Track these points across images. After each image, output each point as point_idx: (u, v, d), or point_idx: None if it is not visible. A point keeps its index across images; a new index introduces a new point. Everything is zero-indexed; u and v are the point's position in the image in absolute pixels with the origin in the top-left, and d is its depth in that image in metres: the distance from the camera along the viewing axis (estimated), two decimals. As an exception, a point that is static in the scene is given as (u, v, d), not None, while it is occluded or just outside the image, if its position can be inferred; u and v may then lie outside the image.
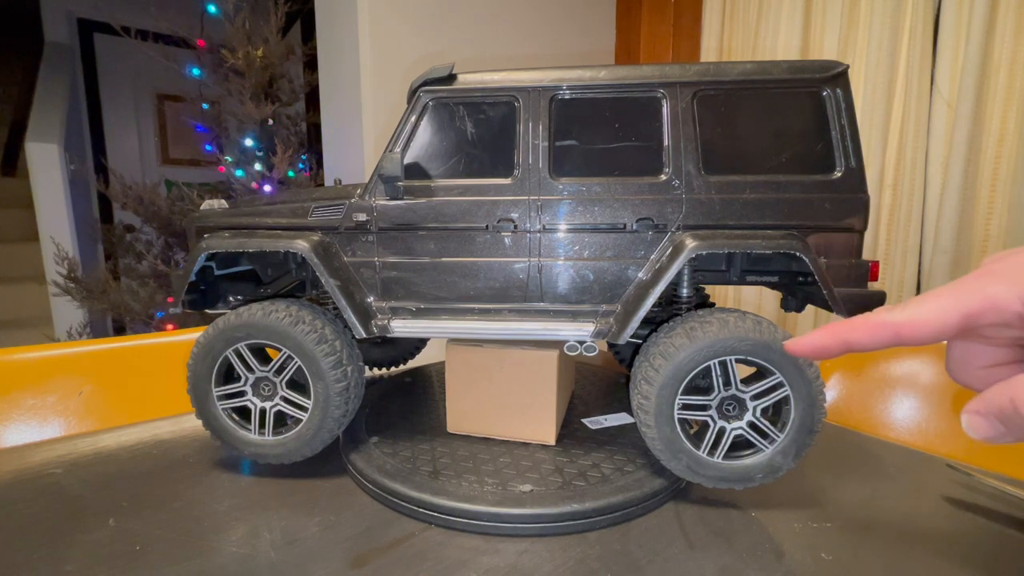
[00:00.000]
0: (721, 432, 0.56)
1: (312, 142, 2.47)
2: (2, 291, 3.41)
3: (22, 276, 3.42)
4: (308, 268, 0.73)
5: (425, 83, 0.60)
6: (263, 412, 0.62)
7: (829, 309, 0.57)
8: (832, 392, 1.04)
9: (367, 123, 1.59)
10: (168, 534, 0.51)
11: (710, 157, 0.57)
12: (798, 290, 0.65)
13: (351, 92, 1.62)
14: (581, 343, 0.59)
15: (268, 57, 2.22)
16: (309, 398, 0.61)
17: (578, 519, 0.52)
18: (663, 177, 0.58)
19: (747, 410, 0.55)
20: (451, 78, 0.60)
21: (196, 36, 2.33)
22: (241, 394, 0.63)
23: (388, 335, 0.62)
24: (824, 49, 1.50)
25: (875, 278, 0.58)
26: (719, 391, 0.55)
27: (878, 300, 0.57)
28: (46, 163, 3.06)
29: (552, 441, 0.66)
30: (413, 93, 0.61)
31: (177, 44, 2.38)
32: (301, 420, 0.61)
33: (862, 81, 1.43)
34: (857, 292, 0.57)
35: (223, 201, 0.69)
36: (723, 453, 0.55)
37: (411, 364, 0.98)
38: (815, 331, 0.31)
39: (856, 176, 0.56)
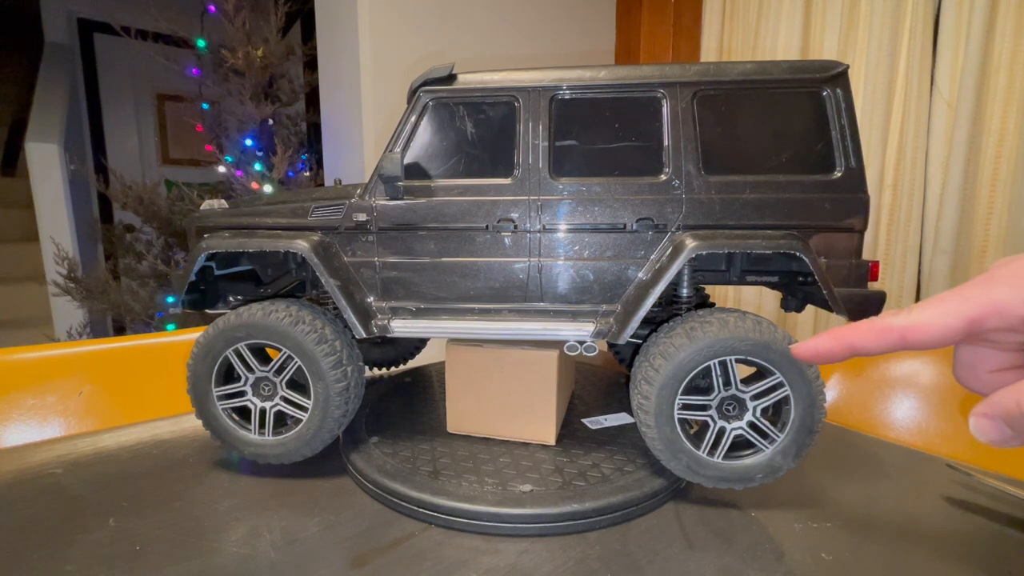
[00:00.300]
0: (721, 432, 0.56)
1: (312, 142, 2.48)
2: (2, 291, 3.41)
3: (22, 276, 3.42)
4: (308, 268, 0.73)
5: (425, 83, 0.60)
6: (263, 412, 0.62)
7: (829, 309, 0.57)
8: (832, 392, 1.04)
9: (367, 123, 1.58)
10: (168, 534, 0.51)
11: (710, 157, 0.57)
12: (798, 290, 0.65)
13: (351, 92, 1.62)
14: (581, 343, 0.59)
15: (268, 57, 2.23)
16: (309, 398, 0.60)
17: (578, 519, 0.52)
18: (663, 177, 0.58)
19: (747, 410, 0.55)
20: (451, 78, 0.60)
21: (196, 36, 2.33)
22: (241, 394, 0.62)
23: (388, 335, 0.62)
24: (824, 49, 1.50)
25: (875, 278, 0.58)
26: (719, 391, 0.55)
27: (878, 300, 0.57)
28: (46, 163, 3.06)
29: (552, 441, 0.66)
30: (413, 93, 0.61)
31: (177, 44, 2.38)
32: (301, 420, 0.61)
33: (862, 81, 1.43)
34: (857, 292, 0.57)
35: (223, 201, 0.69)
36: (723, 453, 0.55)
37: (411, 364, 0.98)
38: (820, 335, 0.31)
39: (856, 176, 0.56)
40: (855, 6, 1.45)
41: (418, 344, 0.96)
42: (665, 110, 0.57)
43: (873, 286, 0.58)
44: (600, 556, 0.48)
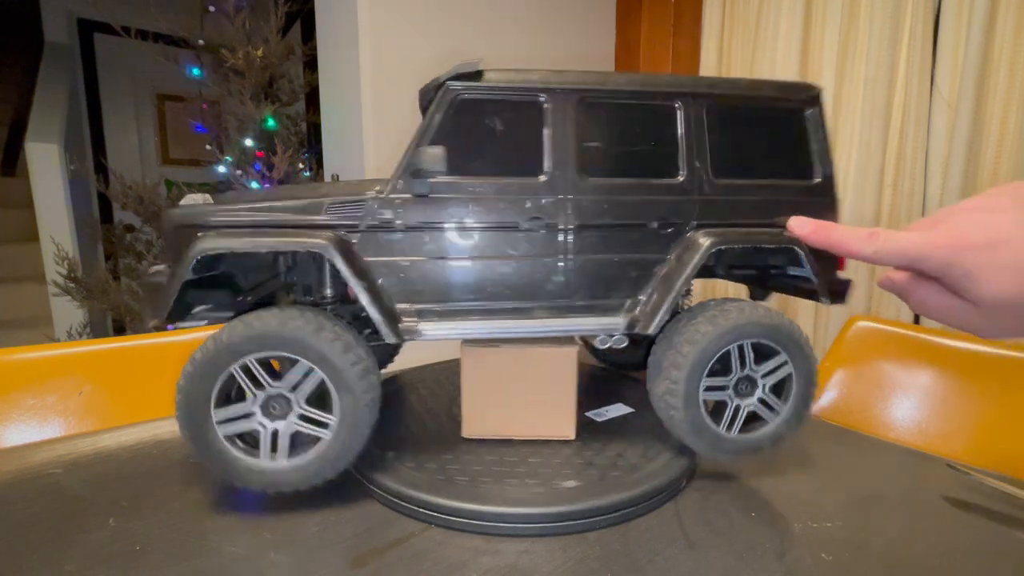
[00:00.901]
0: (737, 409, 0.61)
1: (312, 142, 2.48)
2: (2, 291, 3.41)
3: (22, 276, 3.42)
4: (305, 271, 0.68)
5: (455, 78, 0.58)
6: (275, 434, 0.55)
7: (796, 295, 0.67)
8: (832, 392, 1.04)
9: (367, 123, 1.58)
10: (168, 534, 0.51)
11: (718, 162, 0.63)
12: (769, 281, 0.72)
13: (351, 92, 1.62)
14: (611, 336, 0.62)
15: (268, 57, 2.23)
16: (331, 413, 0.55)
17: (578, 519, 0.52)
18: (680, 179, 0.62)
19: (757, 387, 0.61)
20: (480, 74, 0.59)
21: (196, 36, 2.33)
22: (247, 416, 0.55)
23: (418, 339, 0.59)
24: (824, 49, 1.50)
25: (843, 267, 0.66)
26: (737, 372, 0.60)
27: (846, 285, 0.66)
28: (46, 163, 3.06)
29: (572, 436, 0.67)
30: (437, 89, 0.60)
31: (177, 44, 2.38)
32: (320, 438, 0.56)
33: (862, 81, 1.43)
34: (832, 279, 0.65)
35: (207, 196, 0.63)
36: (739, 428, 0.61)
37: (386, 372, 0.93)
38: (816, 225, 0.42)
39: (831, 182, 0.66)
40: (855, 6, 1.45)
41: (392, 351, 0.91)
42: (680, 118, 0.62)
43: (841, 275, 0.66)
44: (600, 556, 0.48)
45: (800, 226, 0.43)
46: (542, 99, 0.60)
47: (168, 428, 0.75)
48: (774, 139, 0.65)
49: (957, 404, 0.94)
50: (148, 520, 0.54)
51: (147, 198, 2.41)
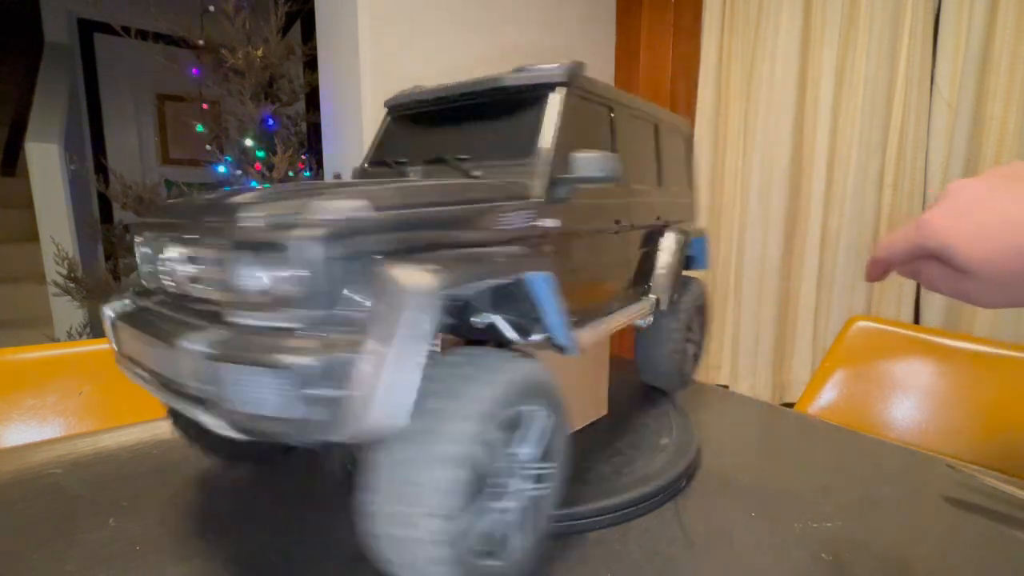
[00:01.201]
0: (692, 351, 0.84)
1: (312, 142, 2.47)
2: (2, 291, 3.41)
3: (22, 276, 3.42)
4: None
5: (574, 74, 0.55)
6: (522, 513, 0.42)
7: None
8: (832, 392, 1.04)
9: (367, 123, 1.58)
10: (168, 534, 0.51)
11: (668, 174, 0.77)
12: None
13: (351, 92, 1.62)
14: (648, 317, 0.73)
15: (268, 57, 2.22)
16: (552, 461, 0.46)
17: (578, 519, 0.52)
18: (661, 185, 0.75)
19: (695, 334, 0.85)
20: (582, 76, 0.57)
21: (196, 36, 2.33)
22: (493, 505, 0.40)
23: (576, 353, 0.53)
24: (824, 48, 1.50)
25: None
26: (695, 326, 0.83)
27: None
28: (46, 163, 3.06)
29: (606, 411, 0.74)
30: (540, 87, 0.55)
31: (177, 44, 2.38)
32: (541, 494, 0.45)
33: (862, 81, 1.43)
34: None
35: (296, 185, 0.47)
36: (691, 364, 0.85)
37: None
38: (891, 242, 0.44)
39: (694, 191, 0.88)
40: (855, 6, 1.45)
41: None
42: (659, 139, 0.75)
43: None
44: (600, 556, 0.48)
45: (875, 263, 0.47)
46: (614, 111, 0.63)
47: (168, 428, 0.75)
48: (681, 158, 0.83)
49: (957, 404, 0.94)
50: (148, 520, 0.54)
51: (147, 198, 2.41)
